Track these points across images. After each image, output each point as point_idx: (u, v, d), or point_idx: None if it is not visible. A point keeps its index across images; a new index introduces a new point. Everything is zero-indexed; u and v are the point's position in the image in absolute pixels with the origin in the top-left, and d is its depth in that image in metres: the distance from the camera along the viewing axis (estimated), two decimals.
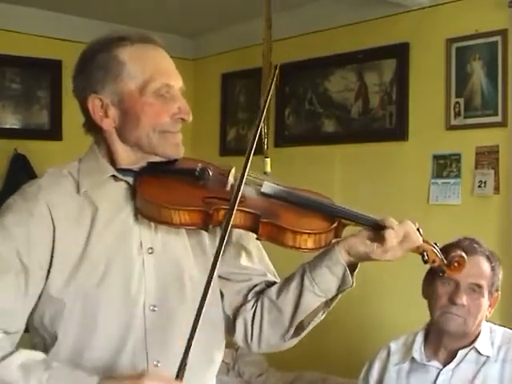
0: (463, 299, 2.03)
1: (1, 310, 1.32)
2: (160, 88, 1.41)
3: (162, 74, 1.43)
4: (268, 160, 2.66)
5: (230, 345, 1.61)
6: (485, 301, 2.08)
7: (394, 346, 2.25)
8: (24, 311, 1.37)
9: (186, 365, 1.21)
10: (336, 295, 1.43)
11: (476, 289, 2.06)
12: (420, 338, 2.18)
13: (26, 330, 1.43)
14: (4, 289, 1.33)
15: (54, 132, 3.99)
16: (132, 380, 1.19)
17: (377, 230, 1.37)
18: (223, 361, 1.61)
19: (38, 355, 1.31)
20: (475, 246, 2.10)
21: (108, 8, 3.87)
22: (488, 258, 2.10)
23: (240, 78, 4.30)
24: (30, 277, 1.35)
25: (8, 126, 3.97)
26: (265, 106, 1.43)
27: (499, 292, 2.14)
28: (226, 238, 1.29)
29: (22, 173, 3.74)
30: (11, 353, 1.27)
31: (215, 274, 1.29)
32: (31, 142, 3.94)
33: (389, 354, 2.24)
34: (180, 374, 1.21)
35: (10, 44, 3.85)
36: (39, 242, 1.37)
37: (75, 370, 1.27)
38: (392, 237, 1.34)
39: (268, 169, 2.63)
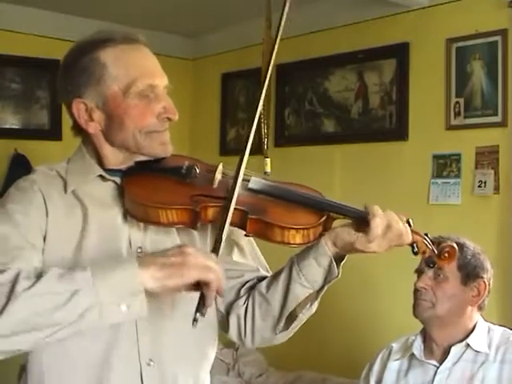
0: (422, 283, 2.11)
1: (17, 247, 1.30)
2: (144, 89, 1.40)
3: (145, 74, 1.41)
4: (268, 160, 2.66)
5: (230, 345, 1.62)
6: (456, 285, 2.10)
7: (395, 345, 2.28)
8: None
9: (221, 241, 1.29)
10: (323, 286, 1.43)
11: (440, 272, 2.10)
12: (420, 337, 2.20)
13: None
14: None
15: (53, 132, 4.00)
16: (177, 256, 1.21)
17: (364, 221, 1.37)
18: (223, 361, 1.62)
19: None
20: (445, 236, 2.10)
21: (108, 8, 3.87)
22: (457, 245, 2.09)
23: (240, 77, 4.30)
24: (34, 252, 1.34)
25: (8, 126, 3.97)
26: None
27: (485, 281, 2.13)
28: (223, 239, 1.30)
29: (21, 173, 3.68)
30: (43, 272, 1.21)
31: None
32: (31, 141, 3.95)
33: (390, 354, 2.26)
34: (216, 248, 1.28)
35: (10, 44, 3.85)
36: (38, 229, 1.37)
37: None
38: (377, 225, 1.34)
39: (268, 169, 2.63)
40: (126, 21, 3.77)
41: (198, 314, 1.22)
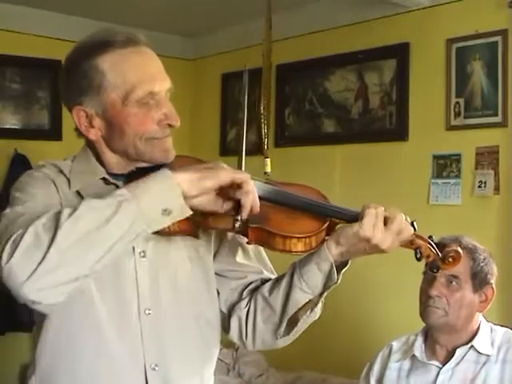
0: (436, 291, 2.06)
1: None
2: (143, 97, 1.37)
3: (145, 81, 1.37)
4: (268, 160, 2.65)
5: (230, 345, 1.62)
6: (468, 293, 2.08)
7: (395, 344, 2.26)
8: None
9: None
10: (322, 292, 1.42)
11: (453, 280, 2.07)
12: (421, 337, 2.19)
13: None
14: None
15: (54, 132, 4.00)
16: (210, 167, 1.27)
17: None
18: (223, 361, 1.62)
19: None
20: (456, 240, 2.08)
21: (108, 8, 3.87)
22: (469, 251, 2.09)
23: (240, 78, 4.28)
24: None
25: (8, 126, 3.97)
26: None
27: (493, 287, 2.13)
28: None
29: (22, 173, 3.73)
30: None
31: None
32: (31, 141, 3.95)
33: (390, 353, 2.24)
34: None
35: (10, 44, 3.85)
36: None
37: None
38: (370, 208, 1.34)
39: (268, 169, 2.63)
40: (126, 21, 3.76)
41: (237, 221, 1.28)
